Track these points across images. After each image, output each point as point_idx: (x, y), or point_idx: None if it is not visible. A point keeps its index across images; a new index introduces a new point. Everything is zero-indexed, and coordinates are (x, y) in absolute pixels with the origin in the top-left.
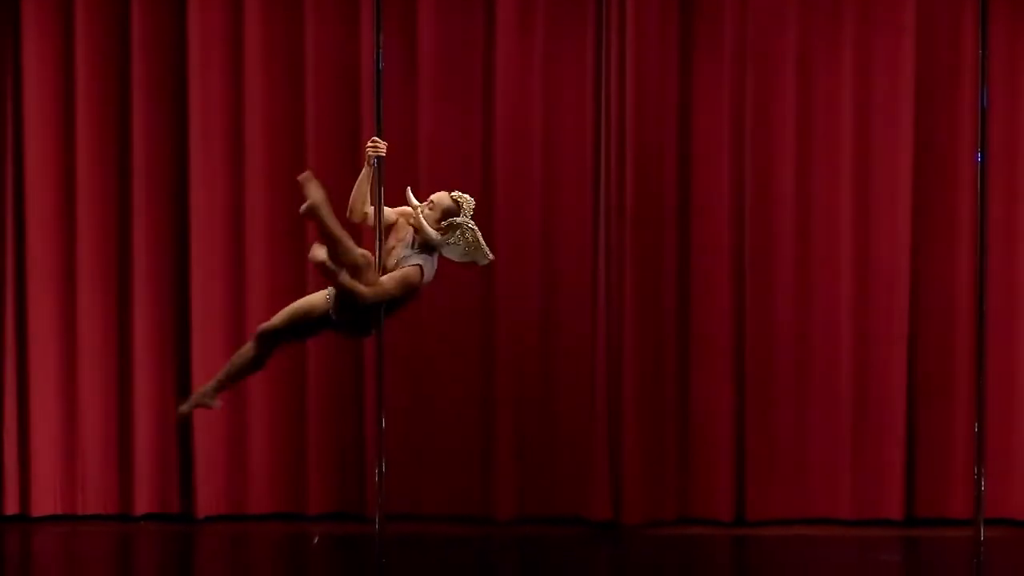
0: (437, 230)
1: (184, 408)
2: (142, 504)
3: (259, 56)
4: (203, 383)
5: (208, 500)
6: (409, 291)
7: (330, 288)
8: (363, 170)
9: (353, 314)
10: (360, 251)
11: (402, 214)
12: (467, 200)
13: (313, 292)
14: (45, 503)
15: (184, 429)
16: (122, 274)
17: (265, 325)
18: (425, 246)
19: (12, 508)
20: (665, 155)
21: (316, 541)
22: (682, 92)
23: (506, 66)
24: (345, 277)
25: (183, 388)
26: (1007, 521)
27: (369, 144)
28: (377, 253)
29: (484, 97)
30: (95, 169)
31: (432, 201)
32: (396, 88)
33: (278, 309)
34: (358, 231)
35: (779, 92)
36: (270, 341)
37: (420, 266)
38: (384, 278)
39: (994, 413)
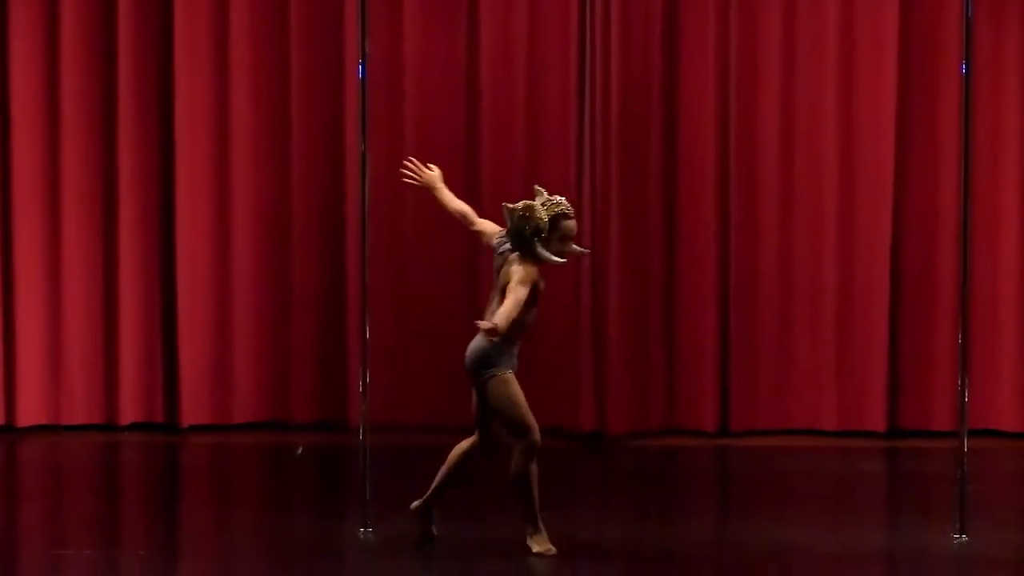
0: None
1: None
2: (127, 414)
3: None
4: (189, 296)
5: (192, 410)
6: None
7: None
8: (434, 194)
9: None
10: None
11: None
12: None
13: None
14: (31, 413)
15: (169, 339)
16: (107, 187)
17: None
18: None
19: None
20: (651, 74)
21: (300, 452)
22: (667, 15)
23: None
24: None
25: (168, 300)
26: (990, 432)
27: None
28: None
29: (469, 24)
30: (80, 81)
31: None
32: (381, 15)
33: (263, 221)
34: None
35: (765, 12)
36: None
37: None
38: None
39: (977, 325)
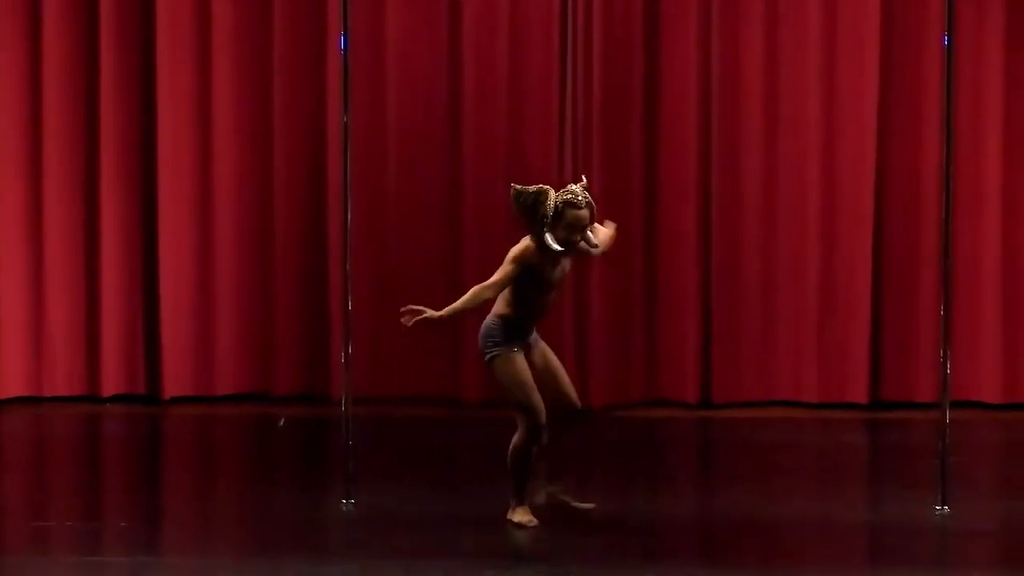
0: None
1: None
2: (109, 386)
3: None
4: (172, 267)
5: (174, 381)
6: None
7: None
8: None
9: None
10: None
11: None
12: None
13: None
14: (12, 385)
15: (151, 311)
16: (89, 157)
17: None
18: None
19: None
20: (632, 51)
21: (282, 423)
22: None
23: None
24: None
25: (150, 271)
26: (972, 404)
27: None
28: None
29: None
30: (61, 52)
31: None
32: None
33: (245, 192)
34: None
35: None
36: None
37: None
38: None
39: (959, 297)
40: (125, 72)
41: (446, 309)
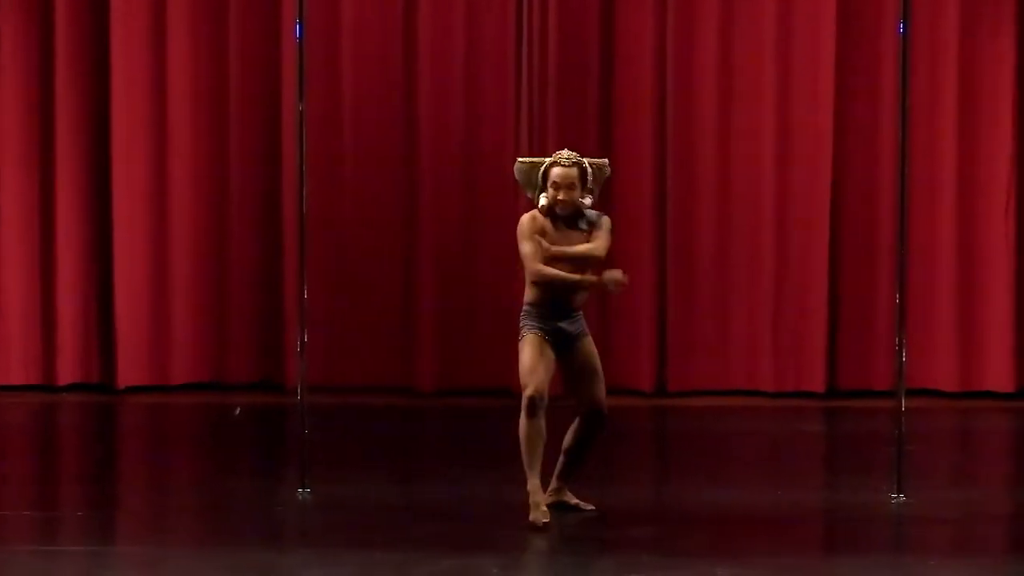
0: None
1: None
2: (65, 375)
3: None
4: (126, 257)
5: (130, 371)
6: None
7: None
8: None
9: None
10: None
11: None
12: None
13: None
14: None
15: (105, 301)
16: (43, 147)
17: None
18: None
19: None
20: (588, 31)
21: (237, 412)
22: None
23: None
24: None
25: (104, 260)
26: (928, 392)
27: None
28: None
29: None
30: (15, 38)
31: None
32: None
33: (200, 182)
34: None
35: None
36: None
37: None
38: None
39: (915, 286)
40: (79, 61)
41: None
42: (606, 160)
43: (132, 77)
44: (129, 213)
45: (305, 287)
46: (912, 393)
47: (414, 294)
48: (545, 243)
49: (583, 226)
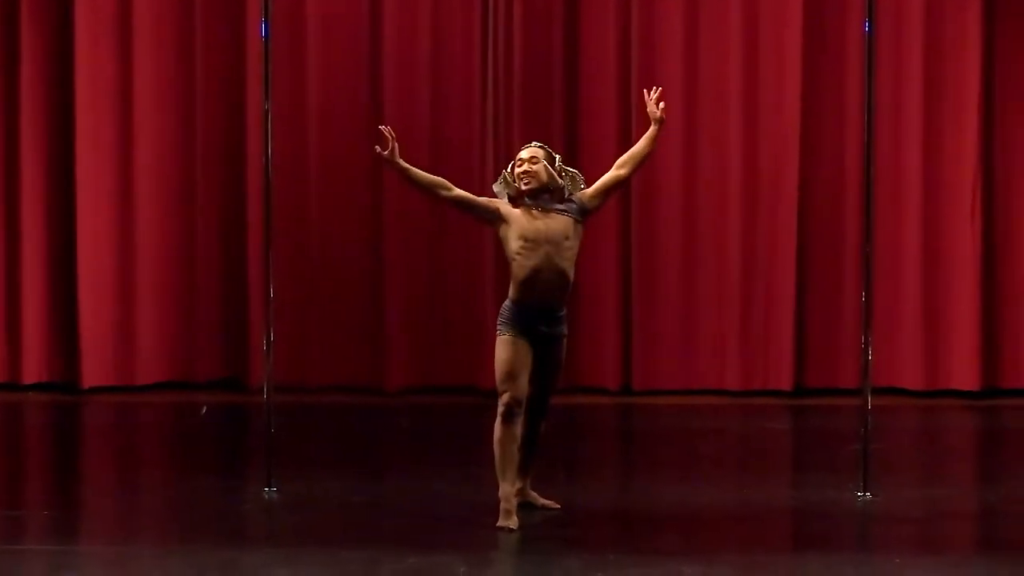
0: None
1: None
2: (30, 374)
3: None
4: (91, 256)
5: (94, 370)
6: None
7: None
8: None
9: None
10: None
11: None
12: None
13: None
14: None
15: (70, 300)
16: (8, 146)
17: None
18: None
19: None
20: (552, 24)
21: (203, 412)
22: None
23: None
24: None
25: (68, 259)
26: (894, 390)
27: None
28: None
29: None
30: None
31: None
32: None
33: (165, 181)
34: None
35: None
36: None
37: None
38: None
39: (881, 285)
40: (43, 61)
41: (409, 168)
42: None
43: (97, 75)
44: (94, 212)
45: (271, 286)
46: (878, 392)
47: (381, 293)
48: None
49: (565, 208)
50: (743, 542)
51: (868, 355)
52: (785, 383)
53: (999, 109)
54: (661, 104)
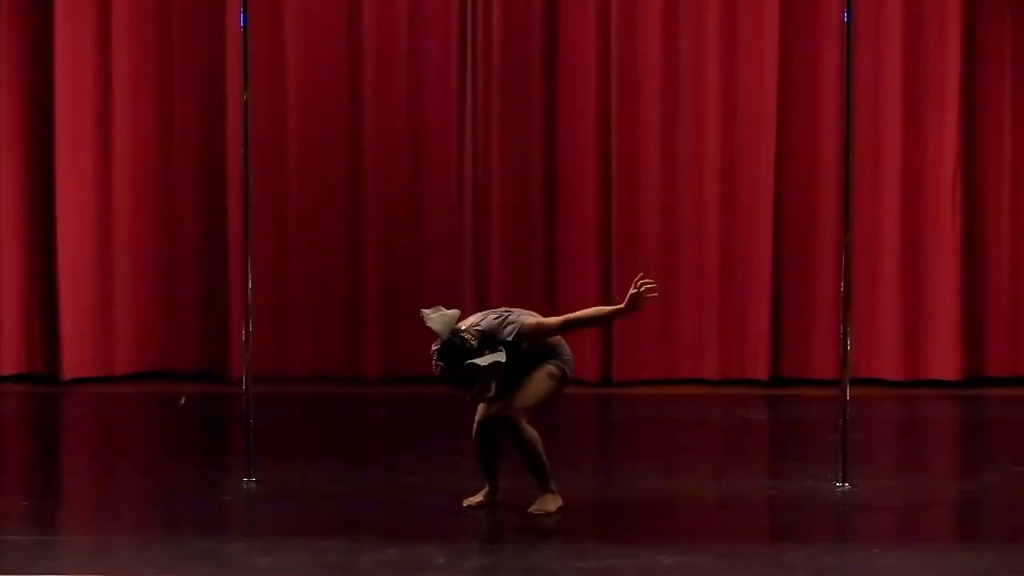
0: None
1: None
2: (8, 365)
3: None
4: (69, 246)
5: (74, 361)
6: None
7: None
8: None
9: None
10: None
11: None
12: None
13: None
14: None
15: (50, 290)
16: None
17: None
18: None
19: None
20: (532, 16)
21: (183, 402)
22: None
23: None
24: None
25: (47, 249)
26: (872, 380)
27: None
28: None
29: None
30: None
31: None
32: None
33: (144, 170)
34: None
35: None
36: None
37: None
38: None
39: (859, 274)
40: (22, 50)
41: None
42: (455, 312)
43: (76, 66)
44: (73, 202)
45: (249, 276)
46: (856, 382)
47: (359, 282)
48: None
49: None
50: (722, 531)
51: (847, 344)
52: (762, 372)
53: (980, 94)
54: (650, 293)
